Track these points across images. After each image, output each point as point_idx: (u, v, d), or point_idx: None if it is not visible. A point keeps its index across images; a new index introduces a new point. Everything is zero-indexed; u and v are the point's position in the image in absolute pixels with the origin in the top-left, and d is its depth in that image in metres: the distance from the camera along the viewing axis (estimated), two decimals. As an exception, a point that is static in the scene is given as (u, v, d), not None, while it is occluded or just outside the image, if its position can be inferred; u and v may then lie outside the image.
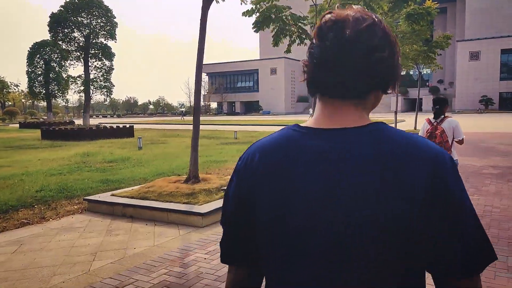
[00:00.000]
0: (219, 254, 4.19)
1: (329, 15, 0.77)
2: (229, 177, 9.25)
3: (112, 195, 6.27)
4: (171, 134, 23.47)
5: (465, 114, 47.04)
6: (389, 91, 0.82)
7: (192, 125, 6.83)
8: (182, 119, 54.44)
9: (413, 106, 59.73)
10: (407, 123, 28.75)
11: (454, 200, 0.70)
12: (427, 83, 65.58)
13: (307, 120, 0.83)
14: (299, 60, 78.57)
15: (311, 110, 56.11)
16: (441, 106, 4.61)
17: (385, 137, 0.73)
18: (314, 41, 0.78)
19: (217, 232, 4.97)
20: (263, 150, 0.79)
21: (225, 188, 6.63)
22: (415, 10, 12.78)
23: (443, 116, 4.62)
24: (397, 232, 0.68)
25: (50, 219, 5.64)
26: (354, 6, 0.79)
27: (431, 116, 4.84)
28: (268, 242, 0.77)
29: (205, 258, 4.04)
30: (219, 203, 5.63)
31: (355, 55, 0.73)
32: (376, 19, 0.76)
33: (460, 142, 4.73)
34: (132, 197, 6.04)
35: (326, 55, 0.74)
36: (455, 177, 0.72)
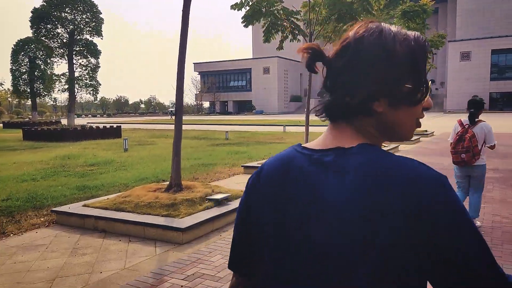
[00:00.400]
0: (199, 279, 3.54)
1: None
2: (217, 183, 8.47)
3: (84, 205, 5.64)
4: (160, 135, 22.77)
5: (456, 114, 47.00)
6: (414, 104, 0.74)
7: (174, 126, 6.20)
8: (171, 118, 54.18)
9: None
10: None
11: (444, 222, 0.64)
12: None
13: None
14: (292, 60, 78.59)
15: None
16: (476, 109, 4.44)
17: (365, 159, 0.70)
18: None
19: (199, 250, 4.38)
20: (268, 166, 0.83)
21: (210, 197, 5.72)
22: (411, 8, 12.33)
23: (476, 119, 4.48)
24: (381, 249, 0.65)
25: (11, 234, 4.99)
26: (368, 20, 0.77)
27: (462, 117, 4.65)
28: (265, 252, 0.79)
29: (181, 286, 3.44)
30: (202, 216, 5.04)
31: (338, 76, 0.75)
32: (368, 33, 0.74)
33: (492, 147, 4.66)
34: (106, 208, 5.42)
35: (325, 80, 0.78)
36: (445, 200, 0.65)
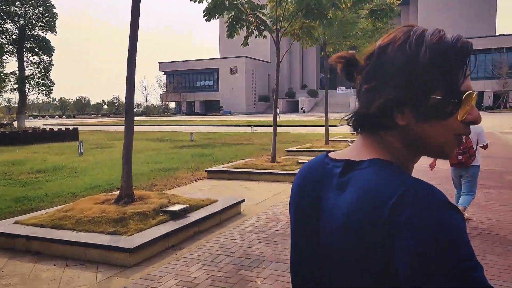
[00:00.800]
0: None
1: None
2: (177, 190, 7.63)
3: (16, 222, 4.82)
4: (120, 137, 21.49)
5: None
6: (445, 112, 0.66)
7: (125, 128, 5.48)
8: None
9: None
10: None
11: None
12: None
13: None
14: (260, 60, 78.51)
15: (278, 110, 55.62)
16: None
17: (366, 174, 0.67)
18: None
19: (150, 274, 3.74)
20: (299, 172, 0.83)
21: (166, 209, 4.84)
22: (379, 6, 12.14)
23: None
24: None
25: None
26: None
27: None
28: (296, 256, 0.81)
29: (121, 327, 2.80)
30: (155, 232, 4.39)
31: (369, 78, 0.70)
32: (397, 38, 0.67)
33: (485, 147, 4.85)
34: (41, 226, 4.64)
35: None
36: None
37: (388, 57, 0.66)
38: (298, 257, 0.78)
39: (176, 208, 4.99)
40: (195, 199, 5.67)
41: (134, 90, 5.35)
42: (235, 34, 8.08)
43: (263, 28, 8.04)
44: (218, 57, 79.78)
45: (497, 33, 58.30)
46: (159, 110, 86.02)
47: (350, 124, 0.74)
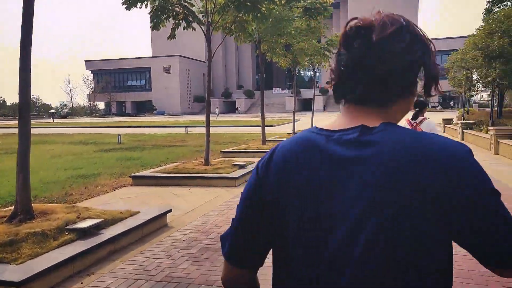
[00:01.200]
0: None
1: (354, 21, 0.79)
2: (95, 200, 6.53)
3: None
4: (37, 141, 19.37)
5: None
6: (433, 93, 0.80)
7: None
8: (53, 121, 49.82)
9: (305, 106, 62.77)
10: (302, 122, 29.22)
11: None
12: (317, 85, 69.72)
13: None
14: (195, 59, 76.97)
15: (217, 110, 54.72)
16: (421, 108, 4.77)
17: (394, 134, 0.72)
18: (340, 48, 0.79)
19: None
20: (284, 150, 0.81)
21: (73, 226, 3.75)
22: (312, 4, 12.11)
23: (421, 118, 4.82)
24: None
25: None
26: (381, 11, 0.79)
27: (408, 117, 4.99)
28: (290, 236, 0.77)
29: None
30: (56, 256, 3.57)
31: (380, 62, 0.73)
32: (404, 23, 0.76)
33: None
34: None
35: (352, 63, 0.76)
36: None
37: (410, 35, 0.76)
38: (313, 234, 0.73)
39: (85, 224, 4.17)
40: (112, 211, 4.87)
41: (30, 87, 4.41)
42: (160, 25, 7.32)
43: (191, 19, 7.39)
44: (151, 55, 76.75)
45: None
46: (86, 111, 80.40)
47: (351, 97, 0.79)
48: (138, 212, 4.96)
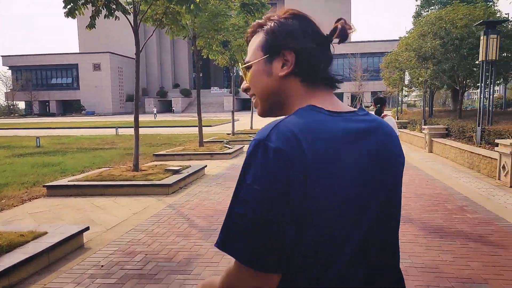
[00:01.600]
0: None
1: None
2: None
3: None
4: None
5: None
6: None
7: None
8: None
9: (244, 105, 62.66)
10: (242, 122, 28.86)
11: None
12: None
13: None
14: (127, 56, 73.30)
15: (155, 110, 52.18)
16: (381, 105, 4.81)
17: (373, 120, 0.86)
18: (292, 21, 0.91)
19: None
20: (303, 132, 0.76)
21: None
22: (250, 0, 11.70)
23: (382, 114, 4.85)
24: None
25: None
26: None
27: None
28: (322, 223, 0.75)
29: None
30: None
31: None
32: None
33: None
34: None
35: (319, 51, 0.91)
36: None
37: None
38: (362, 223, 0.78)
39: (-33, 256, 3.25)
40: (10, 233, 3.94)
41: None
42: (77, 12, 6.34)
43: (114, 7, 6.51)
44: (78, 51, 71.50)
45: (352, 40, 65.73)
46: (3, 111, 72.64)
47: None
48: (45, 233, 4.08)
